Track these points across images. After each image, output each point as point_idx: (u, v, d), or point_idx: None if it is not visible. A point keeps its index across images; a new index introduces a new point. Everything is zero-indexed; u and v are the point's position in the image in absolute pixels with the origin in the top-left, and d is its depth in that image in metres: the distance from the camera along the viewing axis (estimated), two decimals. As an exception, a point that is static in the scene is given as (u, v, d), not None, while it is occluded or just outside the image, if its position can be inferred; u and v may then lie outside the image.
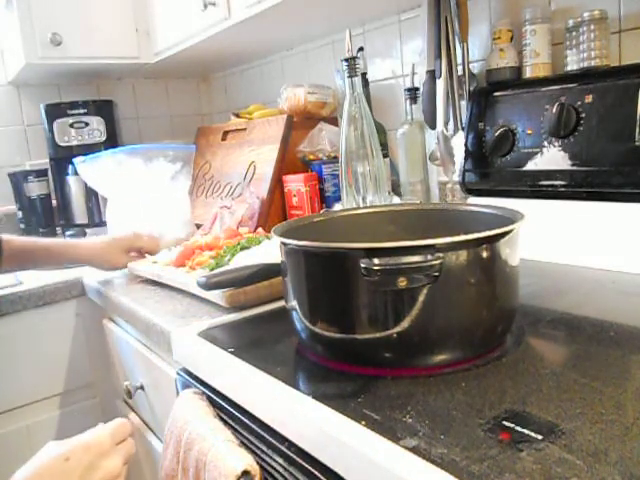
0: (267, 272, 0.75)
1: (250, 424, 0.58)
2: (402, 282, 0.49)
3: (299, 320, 0.59)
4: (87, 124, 1.60)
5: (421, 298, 0.51)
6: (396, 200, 1.08)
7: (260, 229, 1.18)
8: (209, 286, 0.76)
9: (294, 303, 0.60)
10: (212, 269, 0.90)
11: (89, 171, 1.29)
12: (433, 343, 0.54)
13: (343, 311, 0.55)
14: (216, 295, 0.82)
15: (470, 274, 0.53)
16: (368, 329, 0.53)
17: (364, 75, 1.26)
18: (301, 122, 1.37)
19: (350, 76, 0.96)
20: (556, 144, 0.89)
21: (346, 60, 0.95)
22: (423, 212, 0.77)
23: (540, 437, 0.41)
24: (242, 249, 0.95)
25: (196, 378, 0.71)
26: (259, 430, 0.57)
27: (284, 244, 0.60)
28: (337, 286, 0.55)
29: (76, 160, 1.30)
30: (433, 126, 1.04)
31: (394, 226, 0.75)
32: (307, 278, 0.58)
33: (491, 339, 0.58)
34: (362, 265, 0.49)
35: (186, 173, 1.33)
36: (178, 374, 0.76)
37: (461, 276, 0.53)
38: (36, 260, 1.12)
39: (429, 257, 0.49)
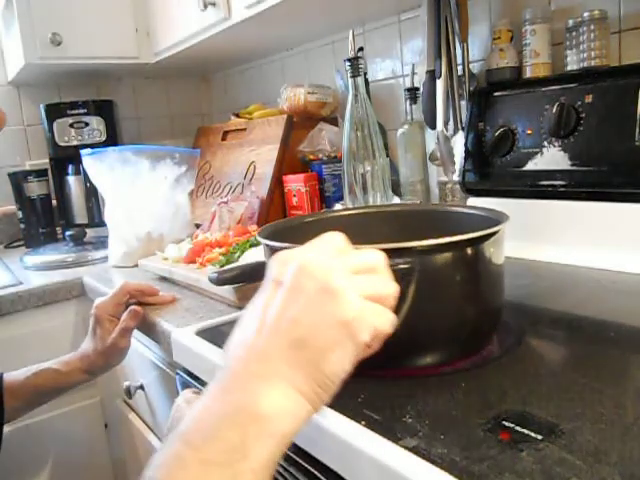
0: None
1: (250, 424, 0.58)
2: None
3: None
4: (87, 124, 1.60)
5: (411, 300, 0.50)
6: (396, 200, 1.08)
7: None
8: (221, 281, 0.77)
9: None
10: (222, 265, 0.91)
11: (94, 165, 1.29)
12: (428, 342, 0.53)
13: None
14: (227, 290, 0.83)
15: (455, 274, 0.53)
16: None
17: (364, 75, 1.26)
18: (301, 122, 1.37)
19: (353, 76, 0.96)
20: (556, 144, 0.89)
21: (349, 60, 0.95)
22: (415, 213, 0.77)
23: (540, 437, 0.41)
24: (251, 246, 0.96)
25: (196, 378, 0.71)
26: (259, 430, 0.57)
27: (268, 246, 0.59)
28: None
29: (83, 152, 1.31)
30: (433, 126, 1.04)
31: (387, 227, 0.75)
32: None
33: (485, 336, 0.58)
34: None
35: (190, 176, 1.33)
36: (178, 374, 0.76)
37: (444, 277, 0.52)
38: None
39: (397, 260, 0.49)
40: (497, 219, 0.58)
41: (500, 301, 0.59)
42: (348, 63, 0.96)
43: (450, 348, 0.55)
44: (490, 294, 0.57)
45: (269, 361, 0.36)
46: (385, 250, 0.50)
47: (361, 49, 1.26)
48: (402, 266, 0.49)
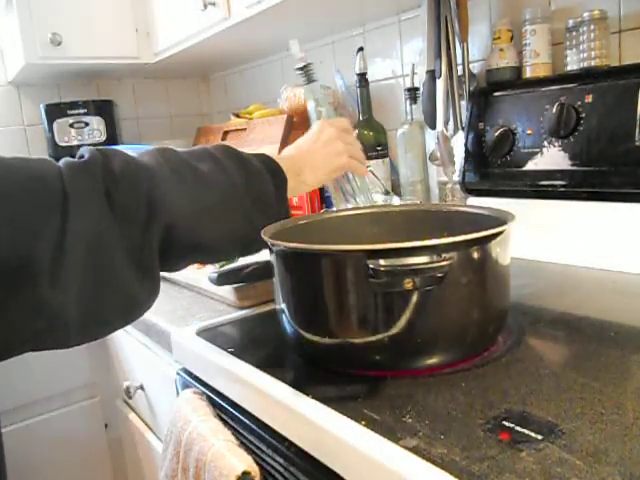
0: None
1: (250, 424, 0.58)
2: (408, 283, 0.48)
3: (288, 323, 0.59)
4: (87, 124, 1.60)
5: (425, 299, 0.50)
6: (396, 200, 1.08)
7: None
8: (221, 281, 0.77)
9: (283, 306, 0.59)
10: (222, 265, 0.91)
11: None
12: (434, 344, 0.53)
13: (345, 315, 0.54)
14: (226, 290, 0.83)
15: (472, 273, 0.53)
16: (369, 332, 0.53)
17: (364, 75, 1.27)
18: (301, 122, 1.37)
19: (309, 82, 0.91)
20: (556, 144, 0.89)
21: (300, 69, 0.89)
22: (406, 213, 0.77)
23: (540, 437, 0.41)
24: None
25: (196, 378, 0.71)
26: (259, 430, 0.57)
27: (278, 247, 0.59)
28: (335, 289, 0.54)
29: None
30: (433, 126, 1.04)
31: (377, 228, 0.75)
32: (302, 282, 0.57)
33: (490, 338, 0.58)
34: (371, 266, 0.49)
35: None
36: (178, 374, 0.76)
37: (463, 276, 0.52)
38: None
39: (435, 258, 0.49)
40: (502, 218, 0.58)
41: (506, 303, 0.59)
42: (300, 72, 0.89)
43: (455, 350, 0.54)
44: (496, 296, 0.57)
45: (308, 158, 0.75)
46: (389, 250, 0.50)
47: (361, 49, 1.26)
48: (406, 267, 0.49)
